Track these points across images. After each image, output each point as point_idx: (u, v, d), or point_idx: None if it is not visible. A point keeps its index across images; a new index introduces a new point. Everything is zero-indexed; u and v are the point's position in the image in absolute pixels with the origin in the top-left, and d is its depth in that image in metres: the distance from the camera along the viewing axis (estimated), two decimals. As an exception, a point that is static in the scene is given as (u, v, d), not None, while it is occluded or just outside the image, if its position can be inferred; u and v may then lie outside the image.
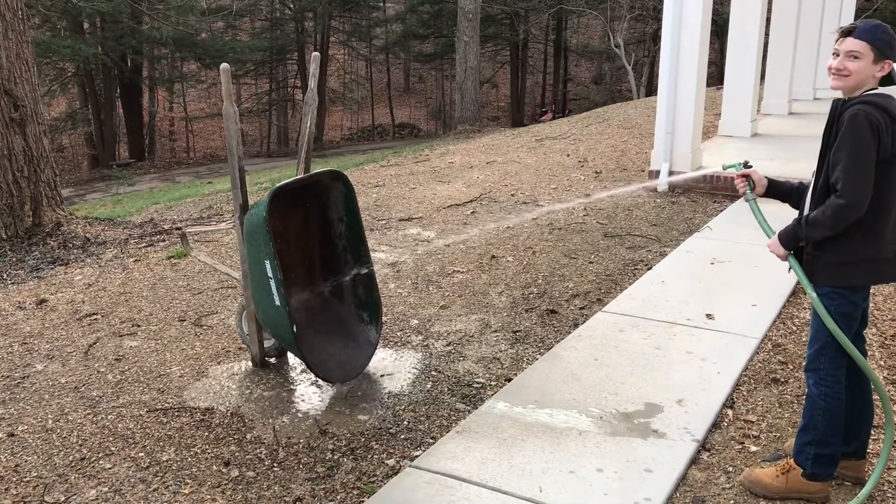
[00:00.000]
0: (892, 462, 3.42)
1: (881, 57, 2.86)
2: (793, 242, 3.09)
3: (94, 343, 4.91)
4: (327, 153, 26.86)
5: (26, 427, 3.88)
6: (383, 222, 7.52)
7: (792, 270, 3.12)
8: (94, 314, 5.44)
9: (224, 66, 3.82)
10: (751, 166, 3.31)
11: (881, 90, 2.95)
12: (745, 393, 4.10)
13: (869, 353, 4.51)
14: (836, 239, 2.97)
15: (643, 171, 9.33)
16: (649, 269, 5.98)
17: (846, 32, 2.91)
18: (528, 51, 33.52)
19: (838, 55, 2.94)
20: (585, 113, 18.56)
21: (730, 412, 3.90)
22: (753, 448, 3.59)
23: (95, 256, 7.22)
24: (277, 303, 3.89)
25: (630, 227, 7.13)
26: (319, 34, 31.00)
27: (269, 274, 3.87)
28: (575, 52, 35.09)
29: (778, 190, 3.33)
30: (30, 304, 5.81)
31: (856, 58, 2.88)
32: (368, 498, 3.22)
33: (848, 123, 2.87)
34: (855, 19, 20.62)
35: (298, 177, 4.13)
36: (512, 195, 8.43)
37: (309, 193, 4.34)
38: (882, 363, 4.39)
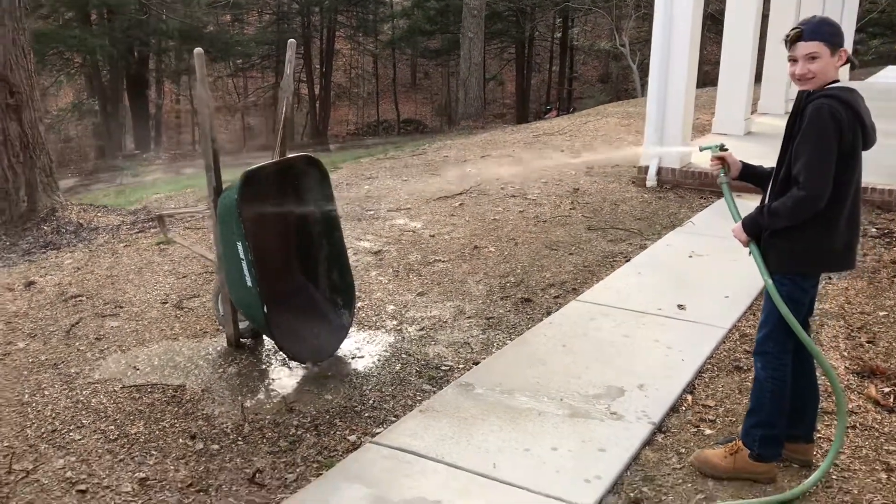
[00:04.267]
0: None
1: (835, 49, 2.94)
2: (755, 230, 3.17)
3: (77, 323, 5.02)
4: (331, 147, 26.98)
5: (2, 400, 3.99)
6: (371, 213, 7.61)
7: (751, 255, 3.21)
8: (79, 296, 5.55)
9: (198, 50, 3.92)
10: (726, 149, 3.38)
11: (843, 83, 3.02)
12: (706, 380, 4.18)
13: (834, 343, 4.60)
14: (792, 227, 3.05)
15: (634, 166, 9.39)
16: (628, 261, 6.06)
17: (795, 37, 2.97)
18: (534, 48, 33.54)
19: (796, 61, 3.00)
20: (587, 110, 18.62)
21: (689, 397, 3.98)
22: (708, 431, 3.68)
23: (87, 241, 7.33)
24: (249, 284, 3.99)
25: (614, 221, 7.21)
26: (326, 28, 31.09)
27: (242, 255, 3.97)
28: (581, 51, 35.10)
29: (752, 174, 3.40)
30: (19, 285, 5.92)
31: (815, 58, 2.95)
32: (327, 471, 3.32)
33: (811, 117, 2.94)
34: (859, 20, 20.44)
35: (272, 161, 4.22)
36: (501, 188, 8.51)
37: (285, 178, 4.43)
38: (846, 353, 4.46)
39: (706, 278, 5.64)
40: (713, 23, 23.30)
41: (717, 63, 10.91)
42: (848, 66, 3.08)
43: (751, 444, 3.25)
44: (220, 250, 4.21)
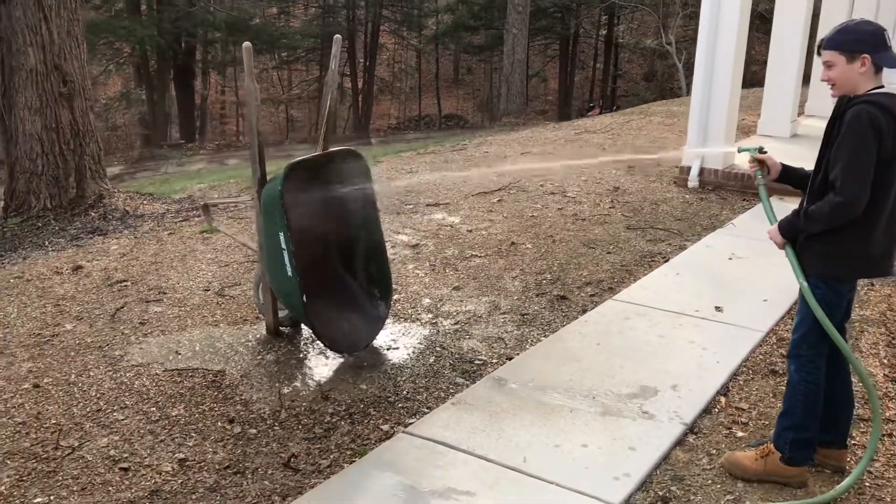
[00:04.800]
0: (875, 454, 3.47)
1: (852, 56, 2.93)
2: (791, 233, 3.17)
3: (122, 307, 5.16)
4: (373, 141, 27.14)
5: (50, 380, 4.13)
6: (410, 207, 7.67)
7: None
8: (124, 281, 5.70)
9: (246, 44, 4.01)
10: (765, 152, 3.39)
11: (885, 88, 3.00)
12: (741, 382, 4.16)
13: (874, 350, 4.54)
14: (828, 232, 3.04)
15: (676, 166, 9.33)
16: (666, 261, 6.04)
17: (818, 45, 3.02)
18: (578, 45, 33.35)
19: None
20: (630, 108, 18.49)
21: (723, 399, 3.97)
22: (740, 434, 3.67)
23: (133, 228, 7.51)
24: (290, 273, 4.07)
25: (654, 221, 7.18)
26: (370, 23, 31.26)
27: (283, 246, 4.06)
28: (626, 49, 34.81)
29: (792, 176, 3.39)
30: (66, 269, 6.10)
31: (830, 67, 2.99)
32: (360, 458, 3.39)
33: (850, 122, 2.94)
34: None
35: (315, 154, 4.30)
36: (541, 185, 8.52)
37: (327, 170, 4.50)
38: (885, 361, 4.41)
39: (745, 281, 5.60)
40: (762, 22, 22.91)
41: (765, 63, 10.77)
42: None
43: (782, 447, 3.25)
44: (263, 240, 4.30)
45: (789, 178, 3.37)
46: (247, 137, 3.94)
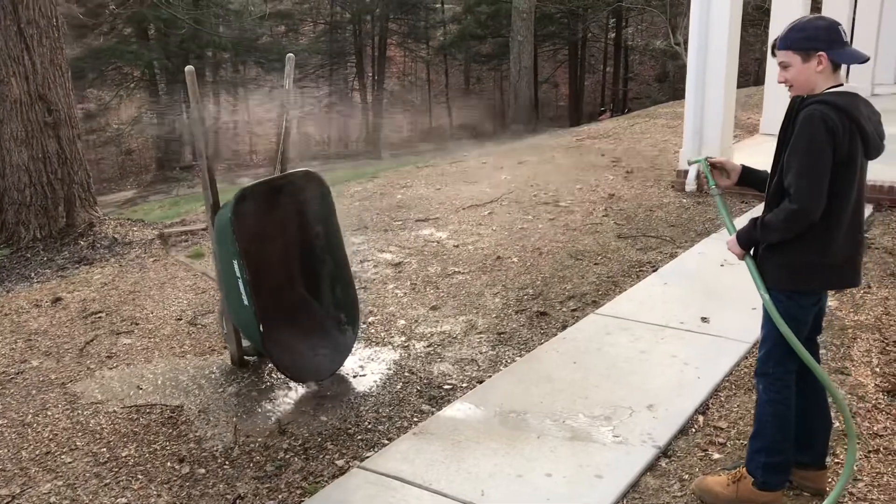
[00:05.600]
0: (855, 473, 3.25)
1: (807, 54, 2.74)
2: (749, 243, 2.98)
3: (91, 340, 5.05)
4: (384, 155, 27.07)
5: (6, 421, 4.02)
6: (399, 223, 7.53)
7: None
8: (99, 312, 5.60)
9: (189, 68, 3.89)
10: (713, 160, 3.22)
11: (844, 87, 2.81)
12: (721, 399, 3.96)
13: (866, 359, 4.32)
14: (787, 241, 2.84)
15: (674, 170, 9.11)
16: (655, 270, 5.84)
17: (773, 46, 2.87)
18: (587, 49, 33.15)
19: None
20: (636, 112, 18.27)
21: (701, 418, 3.77)
22: (716, 455, 3.47)
23: (119, 256, 7.42)
24: (246, 302, 3.93)
25: (647, 228, 6.97)
26: (377, 36, 31.27)
27: (238, 273, 3.92)
28: (636, 51, 34.54)
29: (752, 179, 3.20)
30: (46, 302, 6.01)
31: (786, 67, 2.82)
32: (309, 498, 3.23)
33: (802, 125, 2.76)
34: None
35: (267, 178, 4.16)
36: (534, 196, 8.34)
37: (286, 193, 4.37)
38: (878, 370, 4.18)
39: (735, 289, 5.37)
40: (766, 15, 22.59)
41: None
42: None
43: (754, 471, 3.04)
44: (219, 268, 4.16)
45: (750, 180, 3.18)
46: (198, 163, 3.81)
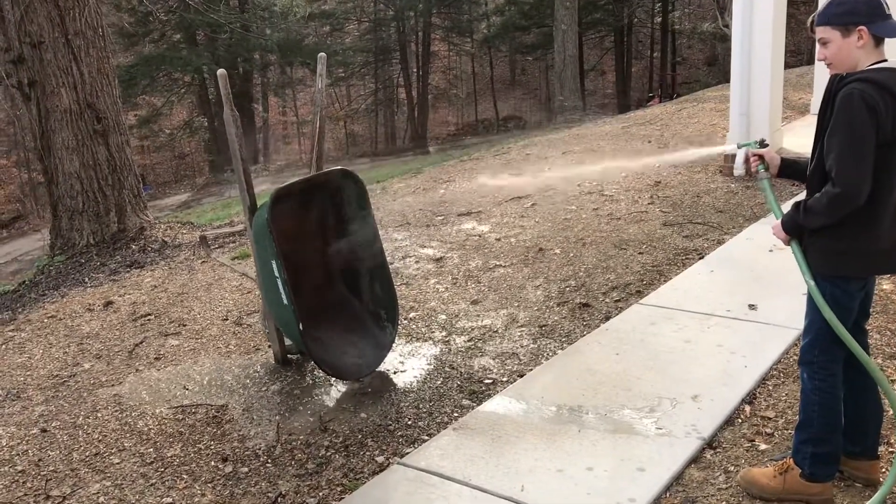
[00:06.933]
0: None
1: (847, 29, 2.63)
2: (794, 229, 2.89)
3: (141, 342, 5.15)
4: (431, 150, 27.12)
5: (59, 423, 4.12)
6: (441, 218, 7.51)
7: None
8: (149, 314, 5.71)
9: (221, 71, 3.93)
10: (767, 145, 3.14)
11: (887, 62, 2.70)
12: (769, 388, 3.85)
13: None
14: (830, 227, 2.75)
15: (722, 155, 8.91)
16: (701, 258, 5.72)
17: (811, 22, 2.75)
18: (633, 35, 32.67)
19: None
20: (684, 97, 17.94)
21: (747, 408, 3.68)
22: (763, 446, 3.38)
23: (169, 259, 7.57)
24: (285, 301, 3.96)
25: (693, 215, 6.84)
26: (421, 31, 31.31)
27: (276, 273, 3.95)
28: (684, 34, 33.92)
29: (793, 169, 3.12)
30: (98, 305, 6.16)
31: (825, 44, 2.71)
32: (350, 494, 3.24)
33: (840, 105, 2.65)
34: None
35: (303, 177, 4.18)
36: (578, 185, 8.25)
37: (322, 192, 4.38)
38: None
39: (785, 275, 5.21)
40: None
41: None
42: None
43: (801, 462, 2.95)
44: (258, 268, 4.20)
45: (791, 171, 3.09)
46: (233, 165, 3.84)
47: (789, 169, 3.08)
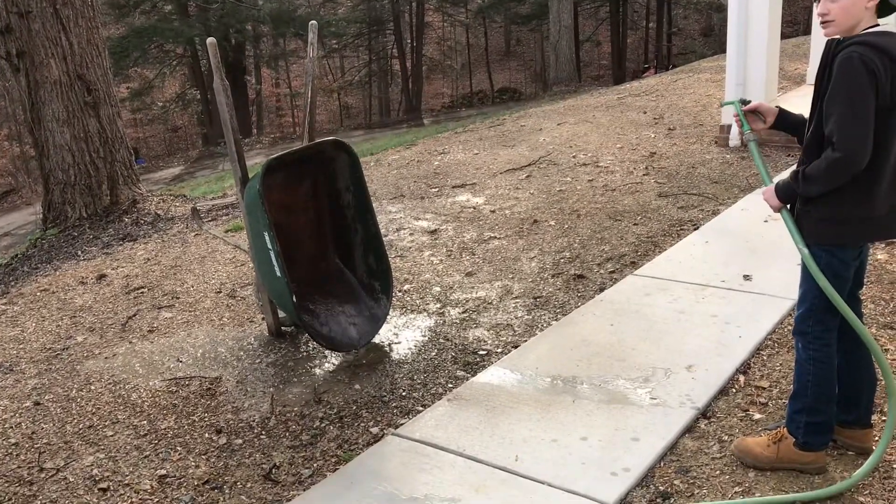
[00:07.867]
0: (905, 432, 3.14)
1: None
2: (788, 196, 2.87)
3: (134, 315, 5.13)
4: (425, 122, 26.97)
5: (52, 396, 4.11)
6: (436, 190, 7.47)
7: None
8: (142, 287, 5.68)
9: (210, 39, 3.87)
10: (749, 101, 3.09)
11: (881, 27, 2.66)
12: (764, 358, 3.86)
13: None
14: (826, 194, 2.72)
15: (718, 125, 8.87)
16: (696, 228, 5.70)
17: None
18: (629, 5, 32.41)
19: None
20: (680, 67, 17.85)
21: (742, 378, 3.68)
22: (757, 416, 3.38)
23: (162, 232, 7.52)
24: (278, 273, 3.94)
25: (688, 186, 6.81)
26: (414, 2, 31.01)
27: (269, 245, 3.92)
28: (679, 4, 33.65)
29: (789, 122, 3.06)
30: (91, 279, 6.13)
31: None
32: (344, 465, 3.24)
33: (839, 69, 2.60)
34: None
35: (295, 148, 4.14)
36: (573, 157, 8.21)
37: (314, 164, 4.35)
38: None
39: (779, 244, 5.22)
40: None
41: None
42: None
43: (795, 431, 2.96)
44: (251, 240, 4.17)
45: (786, 124, 3.04)
46: (224, 136, 3.80)
47: (787, 120, 3.03)
